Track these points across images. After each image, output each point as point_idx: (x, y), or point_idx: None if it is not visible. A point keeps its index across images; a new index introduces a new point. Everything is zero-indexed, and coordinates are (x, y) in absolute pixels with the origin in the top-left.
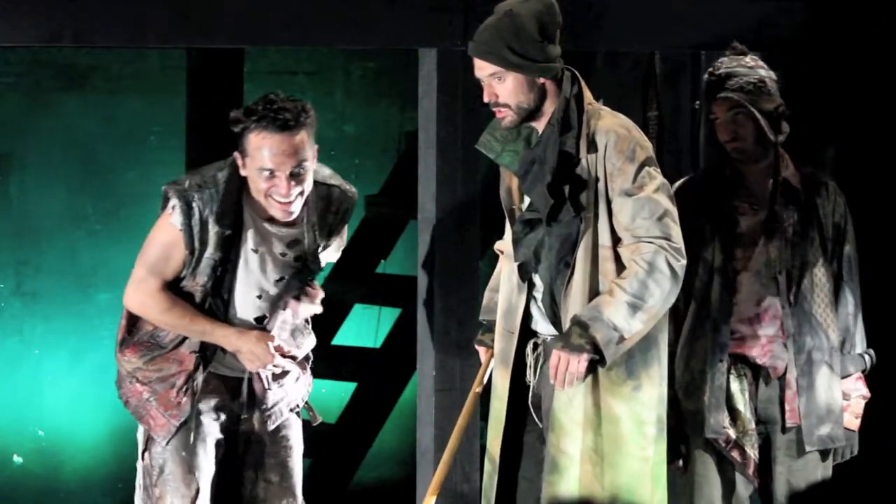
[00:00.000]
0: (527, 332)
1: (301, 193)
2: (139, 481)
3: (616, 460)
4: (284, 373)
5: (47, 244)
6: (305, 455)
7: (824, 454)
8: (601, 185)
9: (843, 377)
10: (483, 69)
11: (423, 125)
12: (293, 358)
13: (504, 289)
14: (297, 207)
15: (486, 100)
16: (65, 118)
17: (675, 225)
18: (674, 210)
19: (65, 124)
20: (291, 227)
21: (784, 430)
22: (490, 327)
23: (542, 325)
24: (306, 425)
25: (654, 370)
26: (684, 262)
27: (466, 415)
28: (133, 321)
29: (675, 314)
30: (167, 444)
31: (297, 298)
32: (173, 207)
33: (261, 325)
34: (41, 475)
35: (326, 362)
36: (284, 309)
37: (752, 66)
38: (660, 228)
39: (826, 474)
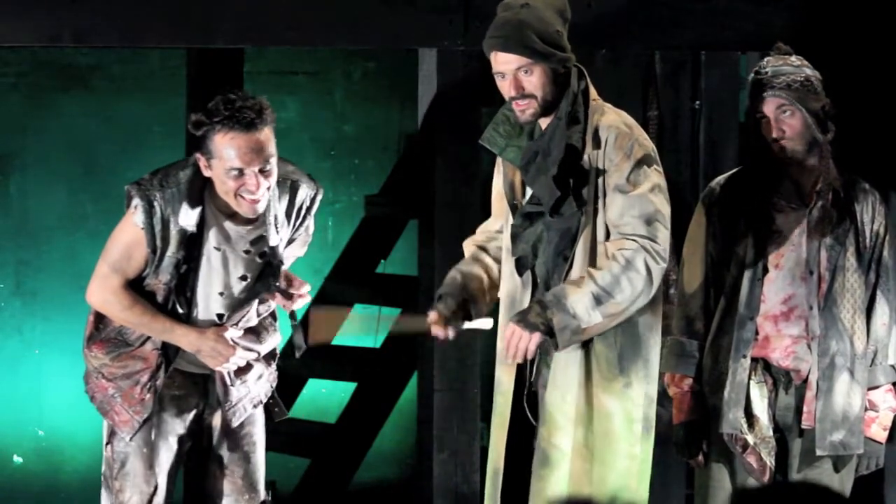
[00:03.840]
0: None
1: (268, 188)
2: (104, 471)
3: (606, 457)
4: (247, 369)
5: (47, 244)
6: (305, 455)
7: (839, 464)
8: (601, 180)
9: (873, 388)
10: (509, 63)
11: (423, 125)
12: (256, 352)
13: (506, 285)
14: (264, 204)
15: (511, 94)
16: (65, 118)
17: (663, 227)
18: (666, 212)
19: (65, 124)
20: (253, 223)
21: (800, 433)
22: (445, 298)
23: None
24: (305, 424)
25: (641, 368)
26: (664, 266)
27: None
28: (101, 317)
29: (707, 311)
30: (130, 439)
31: (279, 293)
32: (135, 207)
33: (221, 320)
34: (41, 475)
35: (326, 362)
36: (261, 303)
37: (798, 66)
38: (646, 228)
39: (843, 485)
